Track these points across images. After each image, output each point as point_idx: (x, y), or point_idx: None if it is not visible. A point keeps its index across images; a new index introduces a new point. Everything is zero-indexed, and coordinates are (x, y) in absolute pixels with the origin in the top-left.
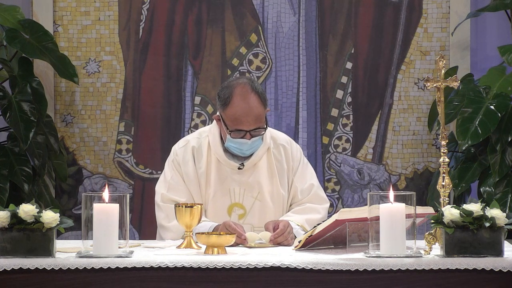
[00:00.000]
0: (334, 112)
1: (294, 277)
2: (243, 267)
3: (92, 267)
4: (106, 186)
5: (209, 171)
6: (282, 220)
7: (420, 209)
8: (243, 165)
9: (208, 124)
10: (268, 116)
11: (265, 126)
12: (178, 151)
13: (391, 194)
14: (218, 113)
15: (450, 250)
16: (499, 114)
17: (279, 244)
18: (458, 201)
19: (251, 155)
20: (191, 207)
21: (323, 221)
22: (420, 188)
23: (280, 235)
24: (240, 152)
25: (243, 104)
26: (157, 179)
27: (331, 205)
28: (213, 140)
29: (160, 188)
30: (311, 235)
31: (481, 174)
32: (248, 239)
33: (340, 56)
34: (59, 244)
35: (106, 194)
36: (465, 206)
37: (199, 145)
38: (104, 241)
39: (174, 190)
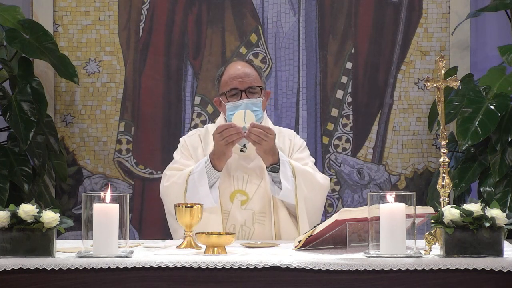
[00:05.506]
0: (334, 112)
1: (294, 277)
2: (243, 267)
3: (92, 267)
4: (109, 187)
5: None
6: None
7: (420, 209)
8: (245, 147)
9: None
10: (268, 116)
11: (261, 88)
12: (186, 139)
13: (390, 195)
14: (219, 98)
15: (450, 250)
16: (499, 114)
17: (252, 140)
18: (458, 201)
19: None
20: (191, 207)
21: (323, 222)
22: (420, 188)
23: (261, 129)
24: None
25: (234, 67)
26: (157, 179)
27: (331, 205)
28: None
29: (167, 169)
30: (311, 235)
31: (481, 174)
32: (235, 119)
33: (340, 56)
34: (59, 244)
35: (107, 195)
36: (465, 206)
37: (206, 132)
38: (104, 241)
39: (182, 163)
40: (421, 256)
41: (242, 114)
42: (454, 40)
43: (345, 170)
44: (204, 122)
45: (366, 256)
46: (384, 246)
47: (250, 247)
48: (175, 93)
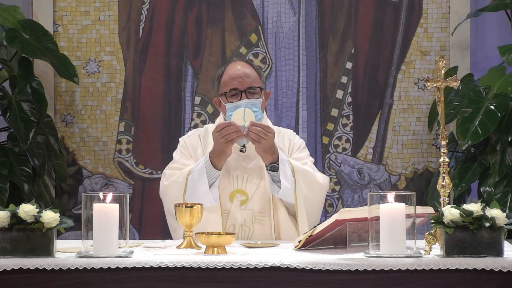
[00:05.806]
0: (334, 112)
1: (294, 277)
2: (243, 267)
3: (92, 267)
4: (111, 193)
5: None
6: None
7: (420, 209)
8: (245, 147)
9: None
10: (268, 116)
11: (261, 89)
12: (186, 139)
13: (390, 195)
14: (219, 98)
15: (450, 250)
16: (499, 114)
17: (252, 138)
18: (458, 201)
19: None
20: (191, 207)
21: (323, 222)
22: (420, 188)
23: (260, 127)
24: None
25: (234, 67)
26: (157, 179)
27: (331, 205)
28: None
29: (166, 168)
30: (311, 235)
31: (481, 174)
32: (235, 118)
33: (340, 56)
34: (59, 244)
35: (108, 195)
36: (465, 206)
37: (205, 132)
38: (104, 241)
39: (182, 162)
40: (421, 256)
41: (242, 112)
42: (454, 40)
43: (345, 170)
44: (204, 122)
45: (366, 256)
46: (384, 246)
47: (250, 247)
48: (175, 93)
